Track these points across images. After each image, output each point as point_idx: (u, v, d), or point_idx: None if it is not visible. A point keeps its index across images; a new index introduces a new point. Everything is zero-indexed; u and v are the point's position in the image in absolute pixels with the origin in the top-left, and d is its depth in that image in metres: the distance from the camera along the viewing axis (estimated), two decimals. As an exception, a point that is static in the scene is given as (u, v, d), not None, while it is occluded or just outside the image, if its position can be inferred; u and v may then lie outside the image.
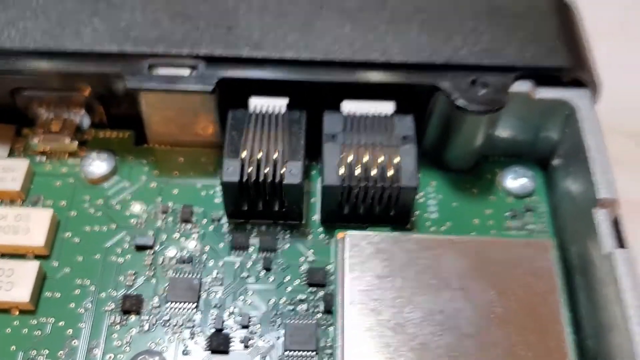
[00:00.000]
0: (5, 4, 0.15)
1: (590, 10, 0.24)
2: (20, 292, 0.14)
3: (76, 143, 0.16)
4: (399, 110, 0.15)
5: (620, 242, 0.14)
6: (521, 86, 0.15)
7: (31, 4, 0.16)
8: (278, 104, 0.15)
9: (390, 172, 0.15)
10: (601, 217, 0.14)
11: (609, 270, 0.13)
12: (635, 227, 0.21)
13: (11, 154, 0.16)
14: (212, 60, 0.15)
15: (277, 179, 0.14)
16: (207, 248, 0.15)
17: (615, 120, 0.23)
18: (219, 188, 0.16)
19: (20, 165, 0.16)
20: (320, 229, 0.15)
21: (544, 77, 0.15)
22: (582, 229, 0.14)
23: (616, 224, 0.14)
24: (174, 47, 0.15)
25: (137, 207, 0.15)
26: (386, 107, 0.15)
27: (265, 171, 0.14)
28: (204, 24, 0.15)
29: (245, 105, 0.15)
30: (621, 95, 0.24)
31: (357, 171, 0.15)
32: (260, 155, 0.14)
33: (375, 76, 0.15)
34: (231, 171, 0.14)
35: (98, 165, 0.16)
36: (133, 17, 0.15)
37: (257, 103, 0.15)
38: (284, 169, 0.14)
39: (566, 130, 0.15)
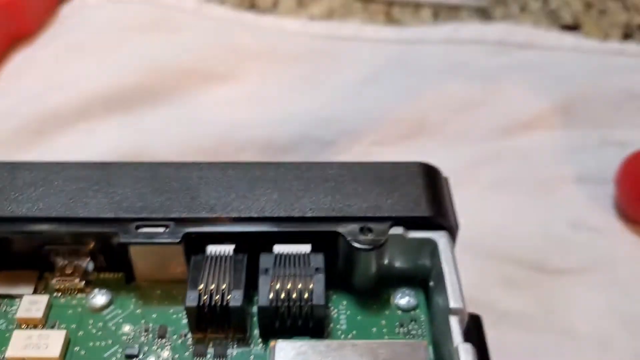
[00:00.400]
0: (35, 186, 0.22)
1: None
2: (40, 393, 0.19)
3: (83, 282, 0.22)
4: (314, 250, 0.21)
5: (466, 340, 0.19)
6: (396, 230, 0.21)
7: (52, 186, 0.22)
8: (227, 249, 0.21)
9: (306, 295, 0.20)
10: (452, 320, 0.20)
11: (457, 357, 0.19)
12: (513, 335, 0.27)
13: (35, 291, 0.22)
14: (180, 221, 0.21)
15: (225, 303, 0.20)
16: (176, 356, 0.20)
17: (504, 249, 0.30)
18: (184, 312, 0.21)
19: (42, 300, 0.21)
20: (259, 340, 0.21)
21: (413, 223, 0.21)
22: (445, 331, 0.20)
23: (464, 326, 0.20)
24: (153, 213, 0.21)
25: (127, 328, 0.21)
26: (304, 248, 0.21)
27: (216, 297, 0.20)
28: (174, 195, 0.22)
29: (203, 251, 0.21)
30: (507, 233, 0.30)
31: (283, 295, 0.20)
32: (213, 286, 0.20)
33: (295, 227, 0.21)
34: (192, 299, 0.20)
35: (99, 298, 0.22)
36: (124, 192, 0.22)
37: (212, 249, 0.21)
38: (229, 296, 0.20)
39: (433, 260, 0.22)
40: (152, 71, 0.35)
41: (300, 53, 0.38)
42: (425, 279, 0.22)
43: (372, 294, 0.22)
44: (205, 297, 0.20)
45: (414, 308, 0.22)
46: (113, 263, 0.22)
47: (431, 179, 0.23)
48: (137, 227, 0.21)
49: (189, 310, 0.20)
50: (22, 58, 0.36)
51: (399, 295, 0.22)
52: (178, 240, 0.21)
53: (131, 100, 0.34)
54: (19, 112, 0.33)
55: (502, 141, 0.34)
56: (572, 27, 0.40)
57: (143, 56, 0.35)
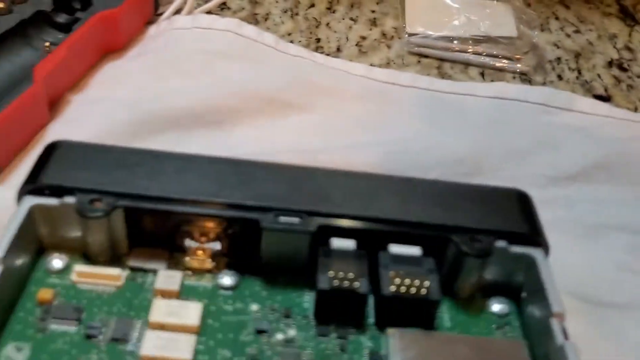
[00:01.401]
0: (182, 172, 0.24)
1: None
2: (181, 354, 0.21)
3: (212, 263, 0.24)
4: (425, 254, 0.24)
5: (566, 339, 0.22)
6: (500, 243, 0.24)
7: (198, 174, 0.24)
8: (349, 244, 0.24)
9: (423, 290, 0.23)
10: (554, 323, 0.22)
11: (562, 356, 0.21)
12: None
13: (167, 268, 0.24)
14: (312, 214, 0.24)
15: (354, 289, 0.23)
16: (302, 334, 0.23)
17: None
18: (305, 296, 0.24)
19: (177, 275, 0.23)
20: (374, 327, 0.23)
21: (514, 238, 0.24)
22: (543, 334, 0.23)
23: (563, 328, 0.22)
24: (290, 205, 0.24)
25: (254, 307, 0.23)
26: (416, 251, 0.24)
27: (346, 283, 0.23)
28: (307, 193, 0.24)
29: (326, 243, 0.24)
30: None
31: (403, 289, 0.23)
32: (341, 274, 0.23)
33: (412, 230, 0.24)
34: (324, 282, 0.22)
35: (227, 279, 0.24)
36: (263, 186, 0.24)
37: (336, 242, 0.24)
38: (357, 283, 0.23)
39: (528, 273, 0.24)
40: (236, 94, 0.37)
41: (364, 94, 0.41)
42: (515, 291, 0.25)
43: (470, 301, 0.25)
44: (335, 282, 0.22)
45: (507, 314, 0.25)
46: (242, 247, 0.24)
47: (525, 203, 0.26)
48: (276, 215, 0.23)
49: (320, 293, 0.23)
50: (113, 69, 0.39)
51: (494, 302, 0.25)
52: (313, 230, 0.23)
53: (217, 118, 0.36)
54: (113, 116, 0.35)
55: (550, 189, 0.37)
56: (604, 98, 0.45)
57: (227, 80, 0.38)
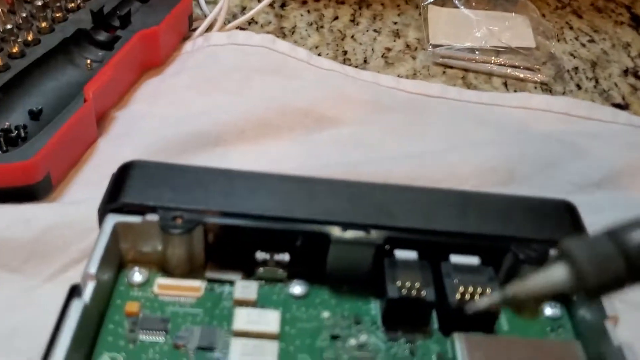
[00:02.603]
0: (250, 188, 0.26)
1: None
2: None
3: (283, 273, 0.26)
4: (482, 263, 0.26)
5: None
6: (554, 251, 0.26)
7: (269, 187, 0.26)
8: (411, 255, 0.25)
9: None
10: (609, 325, 0.24)
11: (620, 357, 0.23)
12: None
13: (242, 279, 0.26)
14: (376, 227, 0.25)
15: (421, 297, 0.24)
16: (372, 339, 0.24)
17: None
18: (371, 304, 0.25)
19: (253, 285, 0.25)
20: (439, 332, 0.25)
21: (566, 246, 0.26)
22: (596, 336, 0.24)
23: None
24: (356, 219, 0.25)
25: (325, 314, 0.25)
26: (474, 260, 0.26)
27: (413, 292, 0.24)
28: (371, 208, 0.26)
29: (389, 255, 0.25)
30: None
31: (467, 296, 0.24)
32: (408, 283, 0.24)
33: (470, 241, 0.26)
34: (393, 291, 0.24)
35: (297, 288, 0.25)
36: (331, 201, 0.26)
37: (400, 254, 0.25)
38: (423, 292, 0.24)
39: (580, 278, 0.26)
40: (274, 109, 0.39)
41: (395, 105, 0.43)
42: (565, 296, 0.27)
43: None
44: (403, 291, 0.24)
45: (559, 318, 0.26)
46: (309, 259, 0.26)
47: (572, 213, 0.27)
48: (344, 229, 0.25)
49: (390, 301, 0.24)
50: (154, 86, 0.40)
51: (547, 307, 0.26)
52: (380, 242, 0.25)
53: (258, 133, 0.38)
54: (160, 132, 0.36)
55: (578, 195, 0.38)
56: (622, 106, 0.46)
57: (265, 95, 0.40)
